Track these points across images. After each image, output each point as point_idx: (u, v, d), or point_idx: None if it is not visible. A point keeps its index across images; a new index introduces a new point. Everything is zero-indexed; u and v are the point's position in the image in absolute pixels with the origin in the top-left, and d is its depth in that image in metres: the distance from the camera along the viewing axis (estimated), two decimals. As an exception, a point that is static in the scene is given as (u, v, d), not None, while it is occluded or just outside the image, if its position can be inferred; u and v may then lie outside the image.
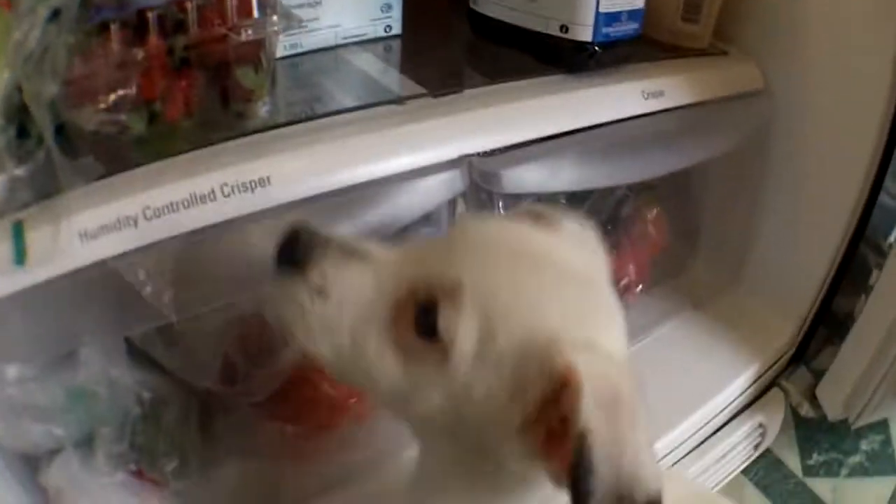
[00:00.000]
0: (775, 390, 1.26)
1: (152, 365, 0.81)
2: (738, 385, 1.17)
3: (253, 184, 0.65)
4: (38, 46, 0.58)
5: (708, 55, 1.06)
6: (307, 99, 0.80)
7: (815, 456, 1.24)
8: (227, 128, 0.70)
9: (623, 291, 1.17)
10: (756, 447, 1.24)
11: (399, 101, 0.79)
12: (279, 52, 0.81)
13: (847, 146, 1.06)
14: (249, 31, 0.69)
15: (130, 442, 0.79)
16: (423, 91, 0.81)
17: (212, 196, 0.63)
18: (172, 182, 0.63)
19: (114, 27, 0.64)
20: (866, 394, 1.13)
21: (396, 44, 0.95)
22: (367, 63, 0.88)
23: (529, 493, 0.58)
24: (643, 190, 1.19)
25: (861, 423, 1.18)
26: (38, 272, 0.58)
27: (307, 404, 0.88)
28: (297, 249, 0.57)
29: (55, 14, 0.59)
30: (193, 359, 0.82)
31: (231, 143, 0.69)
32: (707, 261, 1.32)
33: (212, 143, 0.68)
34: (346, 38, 0.90)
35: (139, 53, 0.65)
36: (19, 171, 0.59)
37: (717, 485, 1.20)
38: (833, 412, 1.20)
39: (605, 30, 0.87)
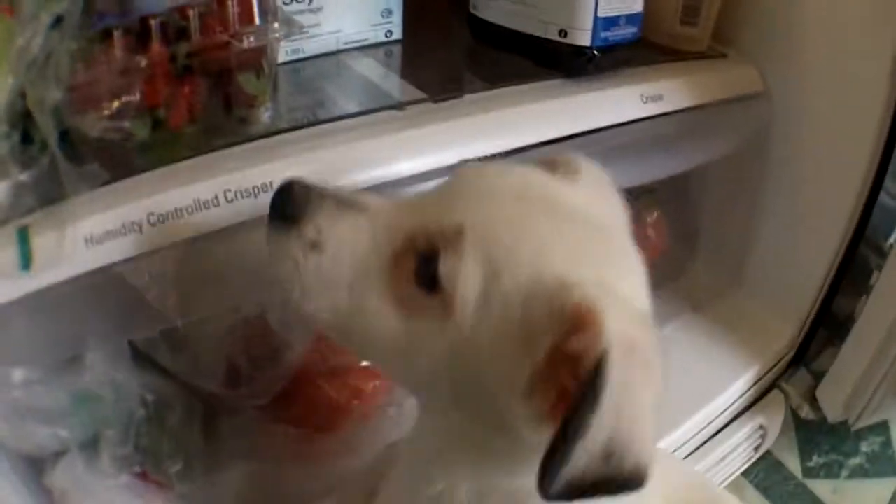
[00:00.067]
0: (775, 392, 1.26)
1: (156, 368, 0.81)
2: (739, 387, 1.17)
3: (256, 189, 0.65)
4: (41, 52, 0.58)
5: (707, 58, 1.06)
6: (309, 104, 0.81)
7: (815, 458, 1.25)
8: (229, 134, 0.70)
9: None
10: (756, 449, 1.25)
11: (399, 106, 0.79)
12: (281, 58, 0.81)
13: (846, 148, 1.06)
14: (251, 38, 0.69)
15: (135, 444, 0.79)
16: (424, 96, 0.82)
17: (215, 202, 0.64)
18: (176, 188, 0.63)
19: (117, 34, 0.65)
20: (866, 395, 1.14)
21: (397, 49, 0.95)
22: (368, 68, 0.89)
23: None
24: (643, 193, 1.19)
25: (861, 424, 1.18)
26: (43, 277, 0.58)
27: (310, 407, 0.89)
28: (290, 204, 0.54)
29: (58, 20, 0.59)
30: (197, 362, 0.82)
31: (234, 149, 0.69)
32: (707, 263, 1.33)
33: (215, 149, 0.68)
34: (347, 43, 0.91)
35: (142, 60, 0.65)
36: (24, 177, 0.59)
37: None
38: (833, 414, 1.20)
39: (603, 34, 0.88)
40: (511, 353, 0.48)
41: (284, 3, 0.82)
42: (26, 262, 0.57)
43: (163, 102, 0.68)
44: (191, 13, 0.68)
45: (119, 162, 0.65)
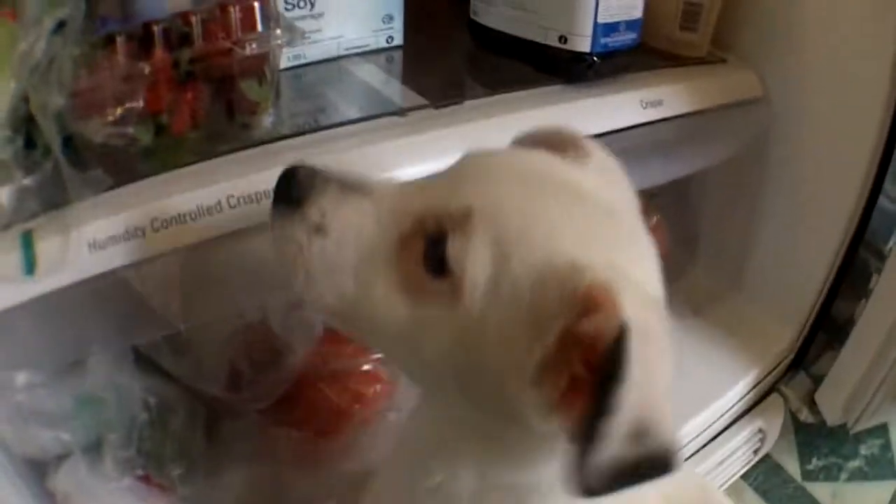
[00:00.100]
0: (774, 396, 1.26)
1: (159, 372, 0.82)
2: (738, 391, 1.17)
3: (259, 195, 0.65)
4: (43, 57, 0.58)
5: (706, 63, 1.06)
6: (311, 110, 0.81)
7: (814, 461, 1.25)
8: (232, 139, 0.70)
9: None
10: (755, 452, 1.25)
11: (401, 112, 0.80)
12: (283, 63, 0.81)
13: (845, 151, 1.06)
14: (254, 45, 0.69)
15: (138, 447, 0.80)
16: (425, 102, 0.82)
17: (218, 208, 0.64)
18: (180, 194, 0.63)
19: (120, 40, 0.65)
20: (865, 398, 1.14)
21: (398, 54, 0.95)
22: (370, 74, 0.89)
23: (546, 463, 0.53)
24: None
25: (860, 427, 1.19)
26: (47, 282, 0.58)
27: (312, 410, 0.89)
28: (294, 187, 0.53)
29: (60, 25, 0.60)
30: (200, 366, 0.82)
31: (236, 155, 0.69)
32: (706, 267, 1.33)
33: (218, 155, 0.68)
34: (348, 48, 0.91)
35: (145, 67, 0.65)
36: (27, 181, 0.59)
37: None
38: (832, 417, 1.20)
39: (603, 40, 0.88)
40: (520, 339, 0.46)
41: (286, 9, 0.83)
42: (30, 266, 0.57)
43: (166, 108, 0.68)
44: (193, 19, 0.68)
45: (122, 167, 0.65)
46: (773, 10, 1.07)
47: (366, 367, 0.91)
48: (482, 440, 0.55)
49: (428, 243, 0.49)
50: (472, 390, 0.51)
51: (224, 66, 0.70)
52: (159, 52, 0.67)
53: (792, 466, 1.26)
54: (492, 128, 0.80)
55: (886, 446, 1.20)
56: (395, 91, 0.87)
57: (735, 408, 1.19)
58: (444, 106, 0.82)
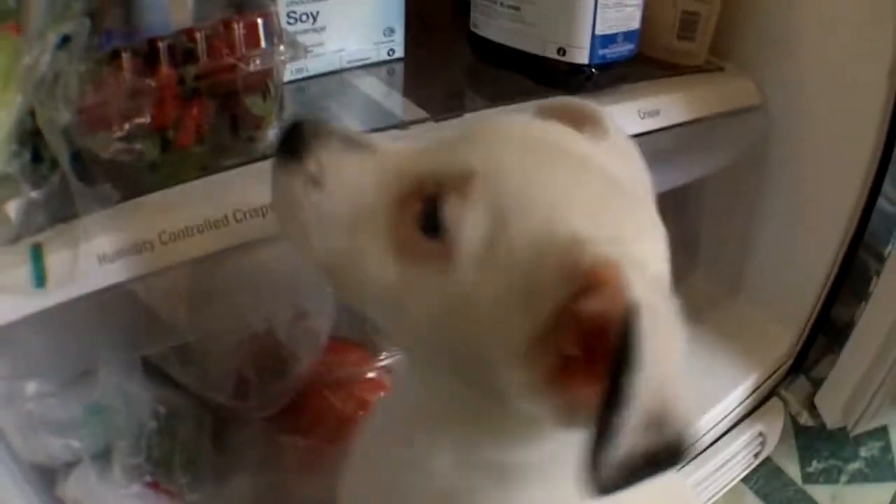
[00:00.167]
0: (774, 400, 1.26)
1: (168, 380, 0.83)
2: (738, 395, 1.18)
3: (264, 209, 0.65)
4: (49, 71, 0.59)
5: (704, 72, 1.06)
6: (314, 123, 0.82)
7: (814, 463, 1.25)
8: (237, 153, 0.71)
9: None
10: (756, 455, 1.25)
11: (402, 125, 0.80)
12: (286, 77, 0.82)
13: (844, 156, 1.07)
14: (258, 62, 0.70)
15: (146, 455, 0.80)
16: (426, 115, 0.82)
17: (225, 221, 0.64)
18: (187, 208, 0.64)
19: (125, 56, 0.65)
20: (864, 400, 1.14)
21: (399, 67, 0.96)
22: (371, 87, 0.90)
23: (529, 445, 0.51)
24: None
25: (859, 430, 1.19)
26: (57, 294, 0.58)
27: (317, 418, 0.89)
28: (296, 139, 0.52)
29: (65, 40, 0.60)
30: (208, 375, 0.83)
31: (242, 169, 0.69)
32: (706, 272, 1.33)
33: (223, 169, 0.69)
34: (350, 61, 0.92)
35: (151, 83, 0.66)
36: (35, 195, 0.59)
37: (717, 493, 1.21)
38: (832, 420, 1.21)
39: (601, 52, 0.89)
40: (512, 311, 0.44)
41: (289, 23, 0.84)
42: (40, 279, 0.58)
43: (171, 124, 0.68)
44: (198, 36, 0.68)
45: (129, 181, 0.65)
46: (770, 17, 1.07)
47: (370, 375, 0.91)
48: (465, 415, 0.53)
49: (425, 204, 0.47)
50: (457, 361, 0.49)
51: (228, 81, 0.70)
52: (165, 69, 0.67)
53: (792, 469, 1.26)
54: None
55: (886, 448, 1.21)
56: (396, 104, 0.87)
57: (735, 412, 1.19)
58: (445, 119, 0.82)
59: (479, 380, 0.48)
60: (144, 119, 0.66)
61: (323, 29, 0.88)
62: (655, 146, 0.93)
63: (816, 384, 1.24)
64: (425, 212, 0.47)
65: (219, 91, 0.71)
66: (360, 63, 0.93)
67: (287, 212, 0.52)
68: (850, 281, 1.17)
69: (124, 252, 0.61)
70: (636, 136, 0.89)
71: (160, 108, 0.67)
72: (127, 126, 0.66)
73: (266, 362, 0.86)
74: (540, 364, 0.43)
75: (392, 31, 0.94)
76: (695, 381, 1.13)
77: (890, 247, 1.09)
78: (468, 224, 0.45)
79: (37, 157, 0.61)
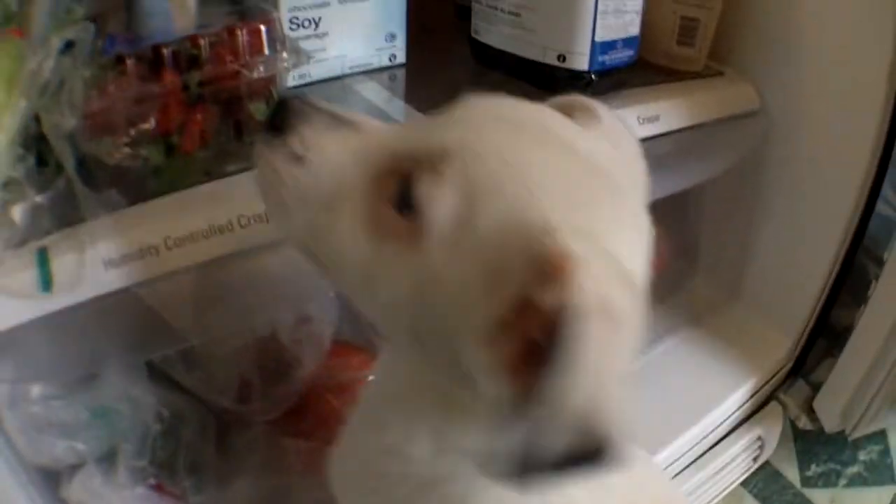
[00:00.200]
0: (774, 404, 1.27)
1: (171, 383, 0.83)
2: (737, 399, 1.18)
3: (268, 215, 0.64)
4: (53, 77, 0.59)
5: (703, 77, 1.07)
6: (316, 128, 0.82)
7: (813, 467, 1.25)
8: (241, 159, 0.70)
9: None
10: (755, 459, 1.25)
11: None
12: (289, 82, 0.82)
13: (843, 159, 1.07)
14: (261, 68, 0.71)
15: (150, 457, 0.81)
16: (427, 120, 0.82)
17: (229, 227, 0.64)
18: (192, 213, 0.64)
19: (129, 62, 0.66)
20: (863, 404, 1.15)
21: (401, 73, 0.96)
22: (373, 92, 0.90)
23: (509, 434, 0.49)
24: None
25: (858, 433, 1.19)
26: (63, 298, 0.59)
27: (320, 421, 0.89)
28: (282, 116, 0.52)
29: (69, 45, 0.61)
30: (212, 379, 0.83)
31: (246, 174, 0.69)
32: (706, 277, 1.34)
33: (227, 175, 0.69)
34: (352, 67, 0.92)
35: (155, 89, 0.67)
36: (40, 199, 0.60)
37: (716, 496, 1.21)
38: (830, 424, 1.21)
39: (601, 58, 0.89)
40: (478, 293, 0.43)
41: (291, 29, 0.84)
42: (47, 283, 0.58)
43: (176, 129, 0.69)
44: (202, 42, 0.69)
45: (134, 186, 0.65)
46: (769, 21, 1.08)
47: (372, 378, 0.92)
48: (438, 401, 0.53)
49: (400, 182, 0.47)
50: (425, 341, 0.49)
51: (232, 88, 0.71)
52: (169, 75, 0.68)
53: (791, 473, 1.27)
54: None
55: (885, 452, 1.21)
56: (397, 109, 0.87)
57: (734, 416, 1.20)
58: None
59: (445, 359, 0.47)
60: (149, 125, 0.67)
61: (325, 35, 0.88)
62: (655, 152, 0.92)
63: (815, 388, 1.24)
64: (400, 190, 0.47)
65: (222, 97, 0.71)
66: (361, 68, 0.93)
67: (269, 187, 0.52)
68: (849, 285, 1.18)
69: (130, 257, 0.61)
70: (636, 142, 0.90)
71: (164, 114, 0.68)
72: (132, 132, 0.66)
73: (269, 366, 0.86)
74: (503, 345, 0.42)
75: (394, 36, 0.94)
76: (695, 385, 1.14)
77: (889, 251, 1.10)
78: (439, 202, 0.45)
79: (41, 162, 0.61)
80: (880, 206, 1.11)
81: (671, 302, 1.29)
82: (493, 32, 0.96)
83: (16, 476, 0.71)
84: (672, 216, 1.21)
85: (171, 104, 0.68)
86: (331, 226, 0.50)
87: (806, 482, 1.26)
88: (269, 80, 0.73)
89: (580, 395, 0.37)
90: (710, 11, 1.03)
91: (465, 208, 0.44)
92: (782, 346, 1.25)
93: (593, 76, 0.90)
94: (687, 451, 1.11)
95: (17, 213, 0.59)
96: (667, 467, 1.08)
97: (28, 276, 0.58)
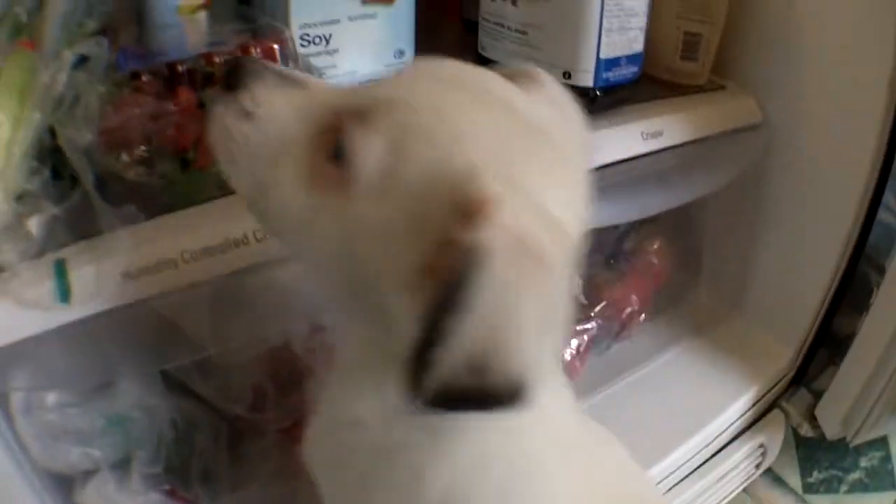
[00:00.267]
0: (776, 412, 1.27)
1: (185, 391, 0.84)
2: (739, 407, 1.19)
3: None
4: (67, 91, 0.60)
5: (705, 91, 1.07)
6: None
7: (815, 474, 1.26)
8: None
9: (627, 321, 1.20)
10: (757, 466, 1.26)
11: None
12: None
13: (844, 171, 1.08)
14: (275, 86, 0.72)
15: (164, 464, 0.81)
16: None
17: (245, 240, 0.66)
18: (208, 227, 0.65)
19: (145, 78, 0.67)
20: (864, 411, 1.15)
21: (410, 88, 0.97)
22: (382, 109, 0.90)
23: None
24: (645, 222, 1.20)
25: (859, 440, 1.20)
26: (80, 309, 0.60)
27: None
28: (234, 75, 0.53)
29: (82, 60, 0.62)
30: (227, 387, 0.84)
31: None
32: (708, 289, 1.34)
33: None
34: (362, 83, 0.93)
35: (171, 107, 0.68)
36: (56, 211, 0.60)
37: (719, 503, 1.22)
38: (831, 431, 1.22)
39: (605, 75, 0.90)
40: (403, 240, 0.44)
41: (302, 45, 0.84)
42: (65, 295, 0.59)
43: (191, 145, 0.69)
44: (216, 60, 0.70)
45: (151, 201, 0.66)
46: (771, 35, 1.09)
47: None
48: (379, 359, 0.53)
49: (336, 134, 0.48)
50: (357, 295, 0.50)
51: (246, 105, 0.72)
52: (185, 93, 0.69)
53: (793, 480, 1.28)
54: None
55: (886, 458, 1.22)
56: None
57: (737, 424, 1.20)
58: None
59: (379, 316, 0.47)
60: (165, 141, 0.68)
61: (336, 51, 0.88)
62: (658, 167, 0.95)
63: (817, 396, 1.25)
64: (335, 142, 0.48)
65: (237, 114, 0.72)
66: (371, 84, 0.94)
67: (219, 142, 0.53)
68: (850, 293, 1.19)
69: (147, 270, 0.62)
70: (639, 157, 0.91)
71: (180, 131, 0.68)
72: (148, 147, 0.67)
73: (283, 375, 0.87)
74: (424, 292, 0.42)
75: (402, 52, 0.94)
76: (697, 393, 1.14)
77: (890, 259, 1.10)
78: (367, 151, 0.46)
79: (56, 175, 0.62)
80: (882, 215, 1.11)
81: (674, 313, 1.30)
82: (500, 49, 0.96)
83: (29, 482, 0.72)
84: (675, 229, 1.22)
85: (186, 121, 0.69)
86: (275, 181, 0.51)
87: (808, 488, 1.26)
88: (283, 97, 0.73)
89: (478, 340, 0.38)
90: (713, 26, 1.04)
91: (394, 157, 0.45)
92: (784, 355, 1.26)
93: (598, 92, 0.90)
94: (690, 459, 1.12)
95: (34, 225, 0.59)
96: (670, 475, 1.09)
97: (46, 287, 0.58)
